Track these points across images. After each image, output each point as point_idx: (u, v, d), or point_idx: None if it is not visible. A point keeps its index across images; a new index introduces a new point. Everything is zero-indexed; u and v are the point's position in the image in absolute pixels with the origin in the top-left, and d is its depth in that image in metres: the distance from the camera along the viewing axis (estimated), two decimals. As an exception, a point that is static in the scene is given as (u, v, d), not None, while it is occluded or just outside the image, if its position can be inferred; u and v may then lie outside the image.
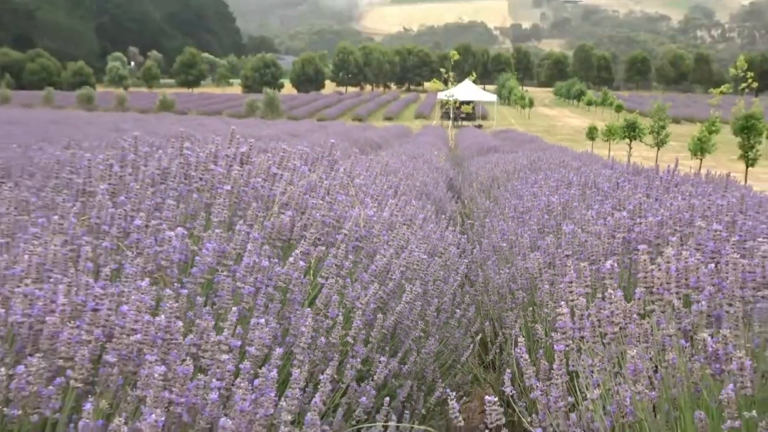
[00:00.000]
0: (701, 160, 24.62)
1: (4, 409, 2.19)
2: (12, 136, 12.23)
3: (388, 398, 3.33)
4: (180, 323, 2.52)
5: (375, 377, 3.42)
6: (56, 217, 3.58)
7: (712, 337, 2.67)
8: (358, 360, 3.40)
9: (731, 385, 2.45)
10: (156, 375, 2.23)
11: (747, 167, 23.07)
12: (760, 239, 3.01)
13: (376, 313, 3.83)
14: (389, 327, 3.89)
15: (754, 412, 2.43)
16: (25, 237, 3.47)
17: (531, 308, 4.82)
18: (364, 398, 3.28)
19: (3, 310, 2.44)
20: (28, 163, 7.46)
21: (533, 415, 3.03)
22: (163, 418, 2.11)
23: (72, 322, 2.49)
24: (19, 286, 2.68)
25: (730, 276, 2.88)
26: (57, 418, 2.29)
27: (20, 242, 3.44)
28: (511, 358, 4.16)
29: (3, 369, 2.20)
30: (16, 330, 2.51)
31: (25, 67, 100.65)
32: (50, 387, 2.27)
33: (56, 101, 67.02)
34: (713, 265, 3.13)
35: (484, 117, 64.51)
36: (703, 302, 2.88)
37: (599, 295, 3.00)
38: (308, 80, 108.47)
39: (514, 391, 3.36)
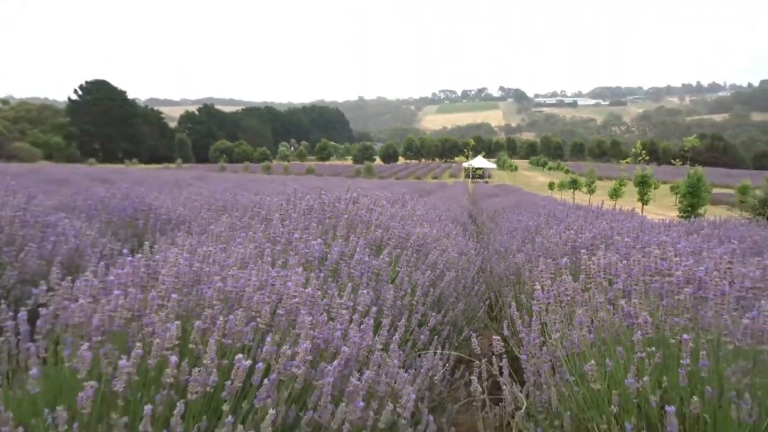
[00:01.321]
0: (616, 201, 24.80)
1: (222, 339, 2.21)
2: (226, 190, 12.53)
3: (436, 336, 3.29)
4: (319, 293, 2.53)
5: (429, 324, 3.39)
6: (251, 233, 3.65)
7: (626, 304, 2.60)
8: (419, 314, 3.37)
9: (639, 332, 2.37)
10: (306, 321, 2.24)
11: (643, 206, 23.61)
12: (653, 247, 2.92)
13: (429, 287, 3.81)
14: (436, 296, 3.85)
15: (653, 348, 2.35)
16: (234, 244, 3.54)
17: (518, 285, 4.73)
18: (422, 336, 3.25)
19: (222, 284, 2.48)
20: (236, 203, 7.62)
21: (520, 347, 2.96)
22: (310, 346, 2.12)
23: (259, 291, 2.52)
24: (230, 271, 2.73)
25: (636, 268, 2.81)
26: (251, 344, 2.32)
27: (232, 246, 3.51)
28: (507, 315, 4.07)
29: (221, 317, 2.24)
30: (229, 295, 2.55)
31: (234, 150, 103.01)
32: (247, 327, 2.30)
33: (250, 169, 68.41)
34: (626, 261, 3.04)
35: (489, 176, 63.78)
36: (620, 283, 2.81)
37: (558, 279, 2.94)
38: (389, 156, 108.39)
39: (509, 333, 3.31)
